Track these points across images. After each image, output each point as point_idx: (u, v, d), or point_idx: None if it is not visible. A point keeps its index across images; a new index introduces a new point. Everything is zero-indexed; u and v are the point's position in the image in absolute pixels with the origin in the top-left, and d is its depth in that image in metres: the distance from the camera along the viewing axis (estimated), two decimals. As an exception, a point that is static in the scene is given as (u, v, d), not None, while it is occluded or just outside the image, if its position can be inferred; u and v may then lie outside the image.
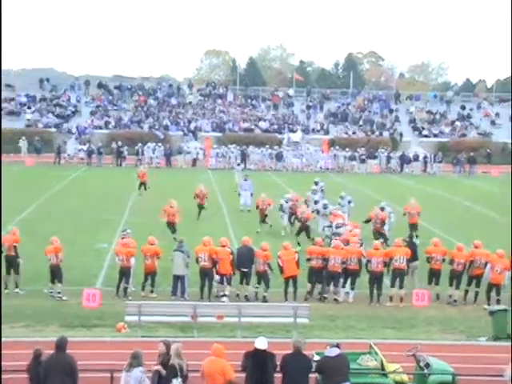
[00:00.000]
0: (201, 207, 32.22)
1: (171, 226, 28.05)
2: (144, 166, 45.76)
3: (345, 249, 21.44)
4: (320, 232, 28.06)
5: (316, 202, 29.82)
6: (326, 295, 21.20)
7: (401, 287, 21.10)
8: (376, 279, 21.06)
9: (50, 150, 57.57)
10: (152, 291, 21.00)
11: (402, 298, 21.01)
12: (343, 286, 21.34)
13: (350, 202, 30.76)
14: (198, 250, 20.78)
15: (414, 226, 28.43)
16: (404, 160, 57.82)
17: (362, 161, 57.39)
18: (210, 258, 20.56)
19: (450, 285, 21.46)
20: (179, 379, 12.38)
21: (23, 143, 58.12)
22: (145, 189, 39.91)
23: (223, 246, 20.90)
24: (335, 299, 21.08)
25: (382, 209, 28.20)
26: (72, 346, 13.03)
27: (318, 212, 29.04)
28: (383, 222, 27.45)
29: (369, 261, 21.10)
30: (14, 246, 21.14)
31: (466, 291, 21.45)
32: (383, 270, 21.12)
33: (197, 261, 20.70)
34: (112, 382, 13.22)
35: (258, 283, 20.95)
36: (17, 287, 21.03)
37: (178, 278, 20.81)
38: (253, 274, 21.02)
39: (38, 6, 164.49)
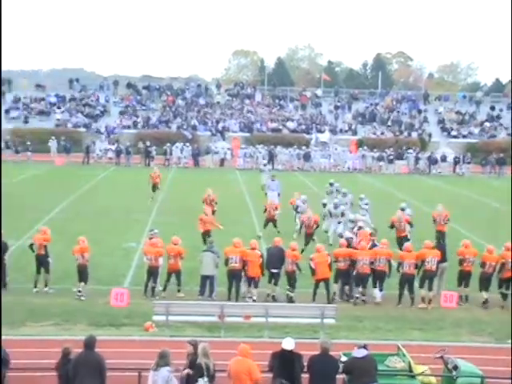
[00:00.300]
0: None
1: (206, 235, 26.00)
2: (158, 167, 43.12)
3: (374, 250, 21.34)
4: (330, 234, 27.77)
5: (324, 205, 29.34)
6: (357, 295, 21.02)
7: (430, 289, 20.94)
8: (407, 281, 20.90)
9: (79, 149, 58.04)
10: (179, 290, 20.99)
11: (431, 299, 20.88)
12: (374, 288, 21.21)
13: (367, 205, 29.53)
14: (229, 251, 20.62)
15: (440, 234, 26.75)
16: (431, 161, 57.52)
17: (390, 161, 57.15)
18: (241, 259, 20.44)
19: (481, 290, 21.22)
20: (205, 379, 12.42)
21: (53, 143, 58.66)
22: (153, 191, 37.83)
23: (253, 249, 20.76)
24: (363, 300, 20.97)
25: (403, 209, 27.97)
26: (100, 345, 13.09)
27: (330, 214, 28.65)
28: (409, 224, 26.72)
29: (400, 263, 20.94)
30: (45, 246, 21.30)
31: (503, 294, 21.20)
32: (415, 272, 20.98)
33: (226, 262, 20.57)
34: (140, 380, 13.29)
35: (289, 285, 20.81)
36: (46, 286, 21.20)
37: (207, 279, 20.74)
38: (282, 274, 21.01)
39: (70, 7, 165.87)
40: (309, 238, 26.51)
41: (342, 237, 23.07)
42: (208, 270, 20.72)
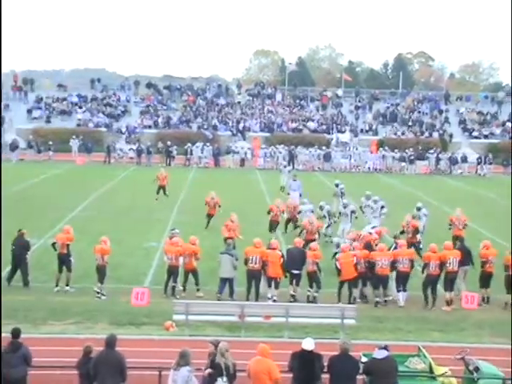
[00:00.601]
0: (210, 217, 30.12)
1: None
2: (165, 169, 40.58)
3: (395, 251, 21.18)
4: (339, 234, 27.36)
5: (322, 208, 28.43)
6: (377, 299, 20.80)
7: (451, 290, 20.87)
8: (432, 283, 20.76)
9: (100, 149, 58.31)
10: (198, 290, 20.98)
11: (452, 300, 20.77)
12: (398, 292, 21.00)
13: (383, 207, 29.09)
14: (249, 251, 20.56)
15: (457, 239, 24.51)
16: (452, 161, 57.22)
17: (411, 162, 56.88)
18: (260, 260, 20.36)
19: (508, 292, 21.06)
20: (224, 378, 12.44)
21: (74, 142, 58.97)
22: (164, 193, 37.15)
23: (273, 249, 20.69)
24: (385, 301, 20.87)
25: (419, 209, 27.74)
26: (121, 344, 13.15)
27: (340, 214, 28.40)
28: (416, 231, 25.80)
29: (426, 264, 20.78)
30: (67, 245, 21.38)
31: None
32: (439, 273, 20.87)
33: (245, 262, 20.53)
34: (160, 380, 13.34)
35: (310, 286, 20.75)
36: (67, 285, 21.32)
37: (226, 281, 20.67)
38: (303, 274, 20.97)
39: (93, 8, 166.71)
40: (307, 242, 23.86)
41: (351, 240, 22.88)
42: (226, 273, 20.65)
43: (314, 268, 20.69)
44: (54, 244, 21.70)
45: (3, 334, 14.52)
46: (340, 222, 28.43)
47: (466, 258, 21.62)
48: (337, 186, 33.38)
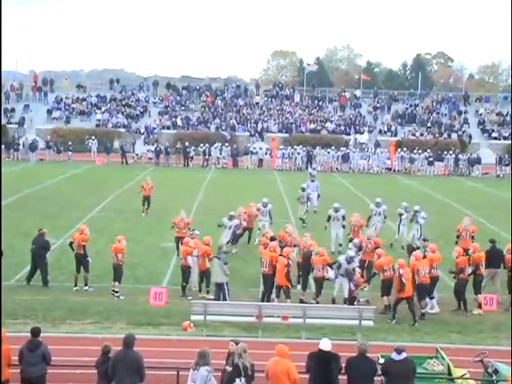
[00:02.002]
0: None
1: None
2: (149, 180, 34.71)
3: (430, 257, 20.50)
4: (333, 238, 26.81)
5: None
6: (423, 310, 19.90)
7: (479, 293, 20.73)
8: (464, 287, 20.46)
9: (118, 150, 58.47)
10: (208, 292, 20.88)
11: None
12: (431, 298, 20.54)
13: (383, 212, 28.15)
14: (262, 253, 20.50)
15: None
16: (471, 162, 56.92)
17: (430, 163, 56.64)
18: (270, 264, 20.02)
19: (510, 292, 20.93)
20: (242, 379, 12.45)
21: (92, 143, 59.20)
22: (148, 206, 33.47)
23: (282, 256, 20.03)
24: (425, 313, 19.89)
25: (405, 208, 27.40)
26: (139, 344, 13.21)
27: (329, 218, 27.16)
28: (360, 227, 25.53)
29: (462, 269, 20.36)
30: (83, 245, 21.46)
31: None
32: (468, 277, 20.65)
33: (261, 264, 20.44)
34: (178, 380, 13.38)
35: (317, 294, 20.41)
36: (86, 285, 21.43)
37: (218, 286, 20.29)
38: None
39: (111, 9, 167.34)
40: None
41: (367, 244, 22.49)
42: (217, 278, 20.41)
43: (322, 274, 20.35)
44: (71, 243, 21.80)
45: (23, 334, 14.63)
46: (331, 227, 27.25)
47: (496, 260, 21.24)
48: (303, 189, 32.42)
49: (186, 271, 20.97)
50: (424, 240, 22.75)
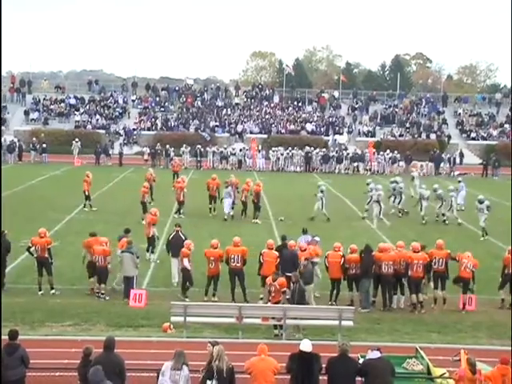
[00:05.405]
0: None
1: None
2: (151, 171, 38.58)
3: (431, 251, 20.84)
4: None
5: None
6: (414, 302, 20.33)
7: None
8: (466, 284, 20.66)
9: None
10: (214, 294, 20.84)
11: (445, 299, 20.77)
12: (436, 289, 20.79)
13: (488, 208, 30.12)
14: (230, 250, 20.66)
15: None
16: (450, 162, 57.18)
17: (409, 163, 56.73)
18: (242, 258, 20.50)
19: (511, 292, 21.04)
20: (214, 382, 12.40)
21: (76, 145, 58.49)
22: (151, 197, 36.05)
23: (270, 249, 20.78)
24: (421, 305, 20.41)
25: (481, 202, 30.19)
26: (119, 346, 13.15)
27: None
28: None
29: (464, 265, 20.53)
30: (48, 249, 21.18)
31: None
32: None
33: (227, 261, 20.59)
34: (158, 381, 13.32)
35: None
36: (52, 288, 21.12)
37: (128, 279, 20.60)
38: None
39: (89, 10, 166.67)
40: None
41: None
42: (128, 271, 20.64)
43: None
44: (29, 248, 21.44)
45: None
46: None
47: None
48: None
49: (185, 273, 20.90)
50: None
